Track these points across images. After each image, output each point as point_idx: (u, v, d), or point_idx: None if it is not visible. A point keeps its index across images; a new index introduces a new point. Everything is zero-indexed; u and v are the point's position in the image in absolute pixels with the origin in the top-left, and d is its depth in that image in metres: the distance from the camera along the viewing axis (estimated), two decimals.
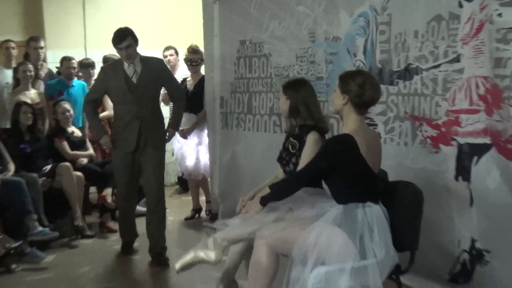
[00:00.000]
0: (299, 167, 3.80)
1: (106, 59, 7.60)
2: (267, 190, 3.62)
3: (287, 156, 4.06)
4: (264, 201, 3.49)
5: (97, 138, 5.67)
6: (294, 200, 3.47)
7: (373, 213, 3.25)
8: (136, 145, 5.20)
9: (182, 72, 7.69)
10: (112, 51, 7.30)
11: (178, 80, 6.86)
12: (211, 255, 3.46)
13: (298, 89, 4.03)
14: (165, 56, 7.75)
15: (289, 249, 3.24)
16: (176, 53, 7.88)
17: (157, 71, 5.33)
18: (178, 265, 3.59)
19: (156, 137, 5.34)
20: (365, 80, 3.38)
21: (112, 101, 5.58)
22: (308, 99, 4.02)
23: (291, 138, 4.07)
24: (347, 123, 3.43)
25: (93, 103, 5.47)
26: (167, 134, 5.59)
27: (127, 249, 5.64)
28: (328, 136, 4.05)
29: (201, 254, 3.50)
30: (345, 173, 3.31)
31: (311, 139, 3.87)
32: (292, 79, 4.40)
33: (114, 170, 5.60)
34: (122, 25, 5.19)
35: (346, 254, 3.11)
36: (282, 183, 3.68)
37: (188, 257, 3.53)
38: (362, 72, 3.73)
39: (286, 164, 4.08)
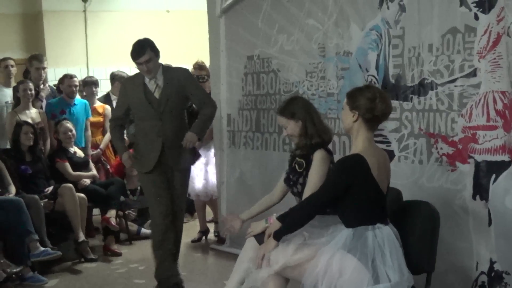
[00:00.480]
0: (307, 187, 3.75)
1: (113, 76, 7.62)
2: (265, 213, 3.55)
3: (294, 177, 3.98)
4: (278, 236, 3.41)
5: (118, 154, 5.44)
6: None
7: (384, 235, 3.20)
8: (158, 165, 4.90)
9: None
10: (117, 68, 7.32)
11: None
12: None
13: (304, 107, 3.99)
14: None
15: (298, 274, 3.21)
16: None
17: (180, 81, 4.92)
18: None
19: (179, 156, 4.96)
20: (375, 94, 3.33)
21: (134, 117, 5.30)
22: (312, 114, 3.98)
23: (297, 158, 4.00)
24: (357, 142, 3.37)
25: (118, 121, 5.15)
26: (186, 138, 4.84)
27: None
28: (337, 154, 3.99)
29: None
30: (356, 195, 3.25)
31: (318, 157, 3.80)
32: (286, 101, 4.23)
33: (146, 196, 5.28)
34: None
35: (359, 279, 3.07)
36: (295, 212, 3.55)
37: None
38: (371, 86, 3.69)
39: (293, 185, 4.00)
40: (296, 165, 3.95)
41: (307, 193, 3.71)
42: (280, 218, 3.52)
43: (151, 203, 4.99)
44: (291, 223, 3.42)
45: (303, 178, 3.91)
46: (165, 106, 4.79)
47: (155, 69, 4.81)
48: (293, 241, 3.35)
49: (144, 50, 4.70)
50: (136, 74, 5.06)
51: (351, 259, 3.10)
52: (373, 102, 3.28)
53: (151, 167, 4.84)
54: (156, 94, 4.83)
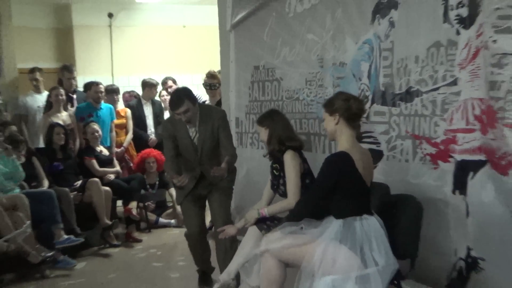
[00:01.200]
0: (288, 183, 3.81)
1: (145, 83, 7.66)
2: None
3: (275, 181, 4.04)
4: (262, 221, 3.66)
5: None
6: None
7: (370, 225, 3.21)
8: (197, 187, 4.61)
9: None
10: (138, 77, 7.32)
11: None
12: None
13: (273, 117, 4.05)
14: (168, 86, 7.79)
15: (296, 261, 3.22)
16: (174, 82, 7.96)
17: (214, 126, 4.55)
18: None
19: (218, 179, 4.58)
20: (347, 96, 3.43)
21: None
22: (282, 123, 4.04)
23: (272, 165, 4.05)
24: (342, 141, 3.38)
25: (173, 158, 4.64)
26: (216, 173, 4.36)
27: (204, 280, 4.91)
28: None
29: None
30: (344, 188, 3.26)
31: (288, 157, 3.83)
32: (264, 112, 4.38)
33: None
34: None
35: (350, 265, 3.07)
36: (292, 215, 3.53)
37: None
38: (341, 92, 3.73)
39: (277, 188, 4.07)
40: (274, 171, 4.02)
41: (290, 188, 3.79)
42: (268, 215, 3.75)
43: (185, 219, 4.80)
44: (291, 217, 3.46)
45: (282, 179, 3.97)
46: (202, 149, 4.53)
47: (193, 118, 4.47)
48: (289, 228, 3.36)
49: (182, 101, 4.34)
50: (174, 117, 4.63)
51: (343, 248, 3.11)
52: (348, 102, 3.35)
53: (189, 189, 4.55)
54: (195, 141, 4.53)
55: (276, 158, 3.98)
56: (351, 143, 3.34)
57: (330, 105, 3.40)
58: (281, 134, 3.95)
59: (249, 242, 3.77)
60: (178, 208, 6.62)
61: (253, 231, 3.82)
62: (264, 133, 4.02)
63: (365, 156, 3.38)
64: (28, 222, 4.94)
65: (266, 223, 3.81)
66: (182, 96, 4.37)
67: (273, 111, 4.22)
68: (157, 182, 7.13)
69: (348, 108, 3.33)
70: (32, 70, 7.48)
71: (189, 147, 4.53)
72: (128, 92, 8.18)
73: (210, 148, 4.54)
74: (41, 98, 7.29)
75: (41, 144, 6.73)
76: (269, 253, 3.32)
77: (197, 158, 4.55)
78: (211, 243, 4.70)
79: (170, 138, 4.57)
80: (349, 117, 3.35)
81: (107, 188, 6.30)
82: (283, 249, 3.29)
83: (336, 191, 3.26)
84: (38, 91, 7.40)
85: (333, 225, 3.22)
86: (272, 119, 4.03)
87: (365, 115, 4.61)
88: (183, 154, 4.59)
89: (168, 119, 4.72)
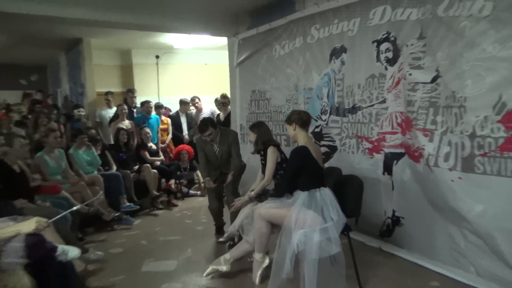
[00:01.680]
0: (267, 168, 3.76)
1: (181, 101, 7.68)
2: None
3: (263, 168, 3.93)
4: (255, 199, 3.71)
5: (203, 177, 4.74)
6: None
7: (326, 194, 3.19)
8: (216, 181, 4.59)
9: (205, 110, 7.74)
10: (176, 97, 7.24)
11: (206, 114, 7.13)
12: (223, 268, 3.47)
13: (259, 127, 3.98)
14: (195, 102, 7.75)
15: (279, 221, 3.19)
16: (199, 100, 7.82)
17: (229, 142, 4.47)
18: (204, 274, 3.54)
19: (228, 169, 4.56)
20: (299, 111, 3.48)
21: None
22: (265, 131, 3.97)
23: (261, 157, 3.97)
24: (300, 140, 3.36)
25: (205, 164, 4.57)
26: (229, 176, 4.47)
27: (219, 231, 4.83)
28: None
29: (218, 267, 3.49)
30: (306, 170, 3.23)
31: (270, 151, 3.78)
32: (254, 122, 4.33)
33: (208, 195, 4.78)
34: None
35: (315, 221, 3.06)
36: (276, 193, 3.53)
37: (210, 268, 3.51)
38: (295, 110, 3.72)
39: (263, 172, 3.95)
40: (262, 161, 3.96)
41: (267, 172, 3.76)
42: (255, 195, 3.73)
43: (209, 199, 4.69)
44: (276, 195, 3.48)
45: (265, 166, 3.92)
46: (221, 158, 4.50)
47: (215, 137, 4.40)
48: (272, 201, 3.39)
49: (206, 127, 4.30)
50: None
51: (309, 211, 3.11)
52: (300, 114, 3.38)
53: (214, 185, 4.52)
54: (217, 153, 4.49)
55: (263, 154, 3.90)
56: (306, 140, 3.33)
57: (288, 119, 3.43)
58: (263, 138, 3.91)
59: (247, 207, 3.76)
60: (202, 184, 6.61)
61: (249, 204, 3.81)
62: (252, 136, 3.96)
63: (316, 147, 3.37)
64: (102, 192, 4.92)
65: (260, 197, 3.79)
66: (207, 123, 4.32)
67: (260, 122, 4.13)
68: (188, 167, 7.07)
69: (300, 118, 3.36)
70: (106, 93, 7.50)
71: (213, 156, 4.51)
72: (165, 108, 8.18)
73: (226, 157, 4.51)
74: (111, 111, 7.28)
75: (111, 142, 6.68)
76: (260, 216, 3.32)
77: (218, 163, 4.55)
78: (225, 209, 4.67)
79: (201, 150, 4.54)
80: (302, 124, 3.36)
81: (155, 170, 6.24)
82: (269, 213, 3.28)
83: (301, 173, 3.23)
84: (109, 106, 7.37)
85: (301, 196, 3.20)
86: (258, 127, 3.96)
87: (325, 122, 4.62)
88: (209, 160, 4.56)
89: (199, 138, 4.58)
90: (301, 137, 3.34)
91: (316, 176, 3.25)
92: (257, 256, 3.37)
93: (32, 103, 7.22)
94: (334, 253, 2.95)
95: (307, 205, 3.14)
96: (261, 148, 3.91)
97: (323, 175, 3.34)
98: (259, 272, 3.37)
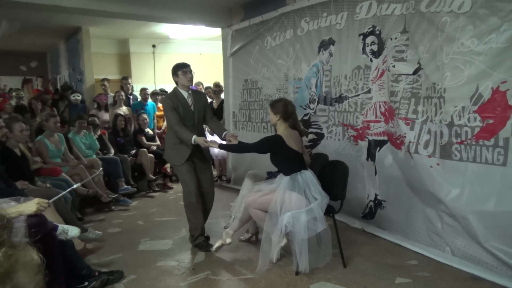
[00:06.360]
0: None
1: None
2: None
3: None
4: (221, 147, 3.51)
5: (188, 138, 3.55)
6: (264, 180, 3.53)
7: (307, 176, 3.20)
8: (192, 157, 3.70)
9: None
10: (172, 85, 7.21)
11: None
12: (227, 241, 3.44)
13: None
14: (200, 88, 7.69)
15: (266, 206, 3.20)
16: (202, 85, 7.73)
17: (201, 102, 3.77)
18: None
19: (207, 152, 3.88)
20: (285, 103, 3.37)
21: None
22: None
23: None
24: (280, 129, 3.35)
25: (180, 122, 3.58)
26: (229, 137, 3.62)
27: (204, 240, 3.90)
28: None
29: (223, 241, 3.46)
30: (282, 156, 3.25)
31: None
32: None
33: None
34: None
35: (300, 203, 3.08)
36: (240, 147, 3.54)
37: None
38: (281, 98, 3.61)
39: None
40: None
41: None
42: (221, 146, 3.51)
43: (188, 178, 3.71)
44: (231, 148, 3.61)
45: None
46: (198, 117, 3.71)
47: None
48: (259, 189, 3.36)
49: (187, 64, 3.75)
50: (173, 93, 3.73)
51: (293, 193, 3.12)
52: (286, 107, 3.34)
53: (186, 157, 3.67)
54: (192, 108, 3.67)
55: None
56: (285, 130, 3.33)
57: (273, 108, 3.37)
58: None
59: (244, 190, 3.69)
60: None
61: (246, 185, 3.73)
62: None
63: (295, 135, 3.35)
64: (101, 168, 4.81)
65: (270, 175, 3.73)
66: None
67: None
68: None
69: (285, 111, 3.33)
70: (102, 80, 7.43)
71: (188, 112, 3.65)
72: (163, 95, 8.11)
73: (200, 119, 3.76)
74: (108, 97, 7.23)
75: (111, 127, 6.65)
76: (250, 207, 3.33)
77: (193, 122, 3.68)
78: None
79: (172, 110, 3.58)
80: (285, 117, 3.34)
81: (151, 155, 6.24)
82: (257, 202, 3.28)
83: (280, 159, 3.26)
84: (106, 93, 7.30)
85: (284, 180, 3.22)
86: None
87: (313, 111, 4.64)
88: (183, 120, 3.62)
89: (168, 95, 3.79)
90: (281, 128, 3.35)
91: (295, 161, 3.26)
92: (273, 237, 3.18)
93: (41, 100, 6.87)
94: (320, 230, 2.99)
95: (291, 187, 3.15)
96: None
97: (303, 159, 3.34)
98: (276, 250, 3.27)
